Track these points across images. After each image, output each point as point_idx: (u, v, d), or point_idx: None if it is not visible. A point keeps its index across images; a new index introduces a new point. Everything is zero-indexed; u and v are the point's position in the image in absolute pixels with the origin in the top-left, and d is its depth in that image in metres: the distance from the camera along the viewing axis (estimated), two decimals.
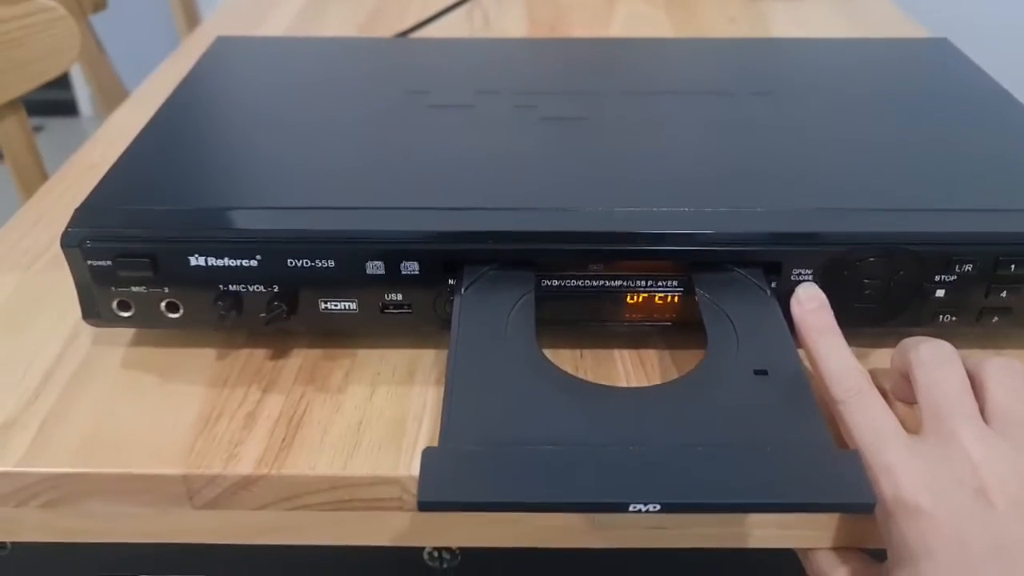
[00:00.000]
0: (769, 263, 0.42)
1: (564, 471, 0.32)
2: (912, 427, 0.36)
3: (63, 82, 2.29)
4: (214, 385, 0.43)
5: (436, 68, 0.62)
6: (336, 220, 0.42)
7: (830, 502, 0.33)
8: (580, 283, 0.42)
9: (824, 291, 0.42)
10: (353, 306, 0.43)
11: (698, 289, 0.42)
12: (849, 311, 0.42)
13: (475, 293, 0.41)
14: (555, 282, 0.42)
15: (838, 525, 0.40)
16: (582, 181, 0.46)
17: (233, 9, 0.99)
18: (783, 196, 0.44)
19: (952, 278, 0.42)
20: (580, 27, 0.91)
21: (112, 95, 1.06)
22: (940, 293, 0.42)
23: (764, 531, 0.41)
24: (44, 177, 0.84)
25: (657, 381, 0.43)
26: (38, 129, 2.22)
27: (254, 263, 0.41)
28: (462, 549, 0.50)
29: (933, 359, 0.37)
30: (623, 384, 0.43)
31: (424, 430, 0.41)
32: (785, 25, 0.92)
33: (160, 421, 0.41)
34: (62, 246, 0.41)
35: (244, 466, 0.39)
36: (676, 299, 0.43)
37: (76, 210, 0.43)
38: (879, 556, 0.38)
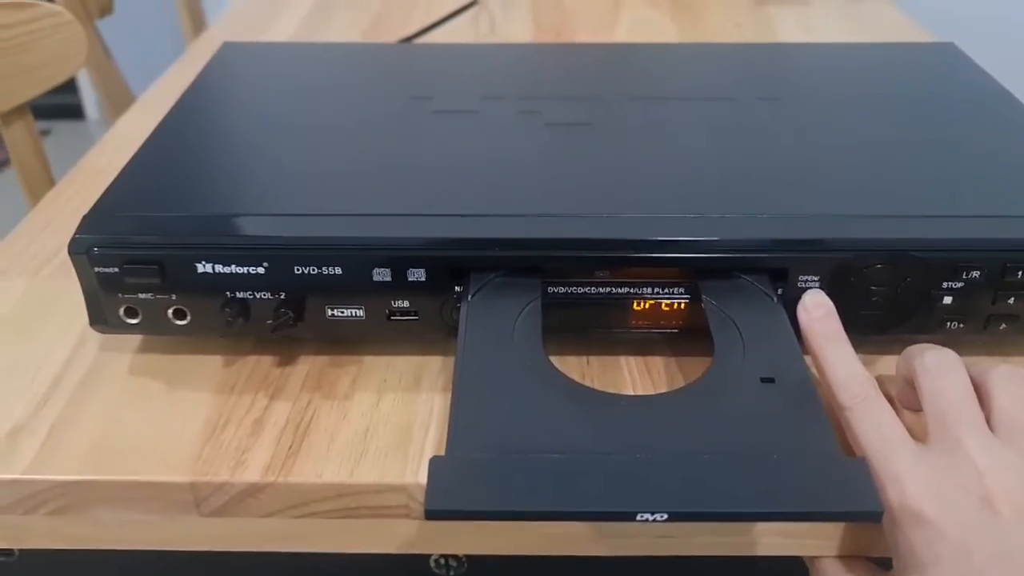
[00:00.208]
0: (776, 270, 0.42)
1: (571, 479, 0.32)
2: (919, 435, 0.36)
3: (70, 86, 2.30)
4: (221, 392, 0.43)
5: (441, 74, 0.62)
6: (343, 227, 0.42)
7: (838, 511, 0.33)
8: (587, 290, 0.42)
9: (831, 298, 0.41)
10: (360, 313, 0.43)
11: (704, 296, 0.41)
12: (856, 318, 0.42)
13: (482, 300, 0.41)
14: (562, 289, 0.42)
15: (844, 534, 0.40)
16: (588, 187, 0.46)
17: (239, 14, 0.99)
18: (790, 202, 0.44)
19: (959, 285, 0.42)
20: (585, 32, 0.91)
21: (119, 100, 1.06)
22: (947, 300, 0.42)
23: (770, 539, 0.41)
24: (51, 182, 0.84)
25: (664, 388, 0.43)
26: (45, 133, 2.22)
27: (261, 270, 0.41)
28: (468, 556, 0.50)
29: (938, 366, 0.37)
30: (630, 391, 0.43)
31: (431, 437, 0.41)
32: (791, 30, 0.92)
33: (167, 428, 0.41)
34: (70, 253, 0.41)
35: (251, 473, 0.39)
36: (682, 306, 0.43)
37: (84, 217, 0.43)
38: (885, 565, 0.38)
